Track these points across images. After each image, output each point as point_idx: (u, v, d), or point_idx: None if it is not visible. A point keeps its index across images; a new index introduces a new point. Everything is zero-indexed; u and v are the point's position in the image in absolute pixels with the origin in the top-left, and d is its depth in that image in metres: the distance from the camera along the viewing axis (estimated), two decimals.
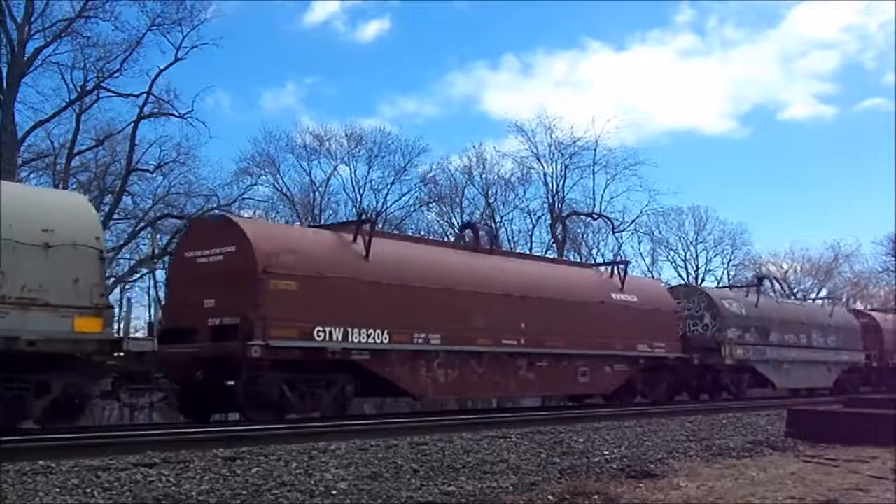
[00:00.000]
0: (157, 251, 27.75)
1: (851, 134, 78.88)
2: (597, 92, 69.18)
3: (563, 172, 43.63)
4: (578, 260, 44.37)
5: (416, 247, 16.12)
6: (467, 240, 18.21)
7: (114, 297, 27.74)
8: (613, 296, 18.58)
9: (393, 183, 42.37)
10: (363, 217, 14.28)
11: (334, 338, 12.86)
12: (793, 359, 24.34)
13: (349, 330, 13.08)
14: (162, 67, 31.95)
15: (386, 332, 13.57)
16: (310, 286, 12.74)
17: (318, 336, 12.68)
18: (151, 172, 34.00)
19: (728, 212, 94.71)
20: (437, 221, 43.93)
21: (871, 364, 28.35)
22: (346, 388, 13.35)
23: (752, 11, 76.68)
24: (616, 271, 19.66)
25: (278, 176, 41.51)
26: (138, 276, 32.97)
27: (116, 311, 16.69)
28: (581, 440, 10.08)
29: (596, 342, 17.45)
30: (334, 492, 6.30)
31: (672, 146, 70.49)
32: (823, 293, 52.96)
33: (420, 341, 14.10)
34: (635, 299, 18.92)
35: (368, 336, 13.36)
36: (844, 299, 48.92)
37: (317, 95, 68.14)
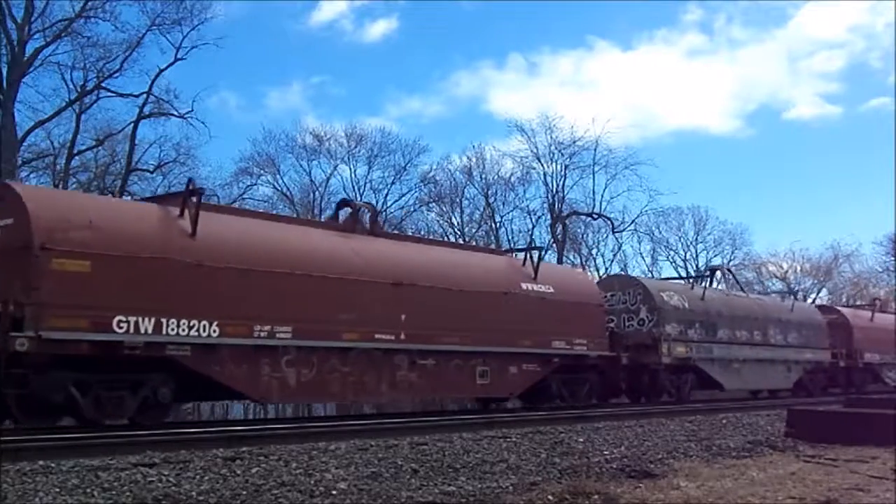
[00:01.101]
0: None
1: (857, 133, 79.05)
2: (603, 91, 69.37)
3: (563, 172, 43.70)
4: (578, 261, 44.50)
5: (264, 224, 13.46)
6: (344, 220, 15.37)
7: None
8: (523, 286, 16.28)
9: (393, 183, 42.44)
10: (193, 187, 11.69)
11: (142, 329, 10.67)
12: (745, 357, 22.18)
13: (164, 320, 10.89)
14: (162, 67, 32.09)
15: (215, 323, 11.36)
16: (110, 267, 10.56)
17: (120, 327, 10.50)
18: (151, 172, 34.12)
19: (728, 212, 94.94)
20: (437, 221, 43.97)
21: (837, 364, 26.44)
22: (161, 390, 11.16)
23: (760, 11, 76.98)
24: (529, 258, 17.04)
25: (278, 176, 41.59)
26: None
27: None
28: (581, 440, 10.08)
29: (499, 338, 15.22)
30: (334, 492, 6.30)
31: (677, 146, 70.73)
32: (823, 293, 53.09)
33: (263, 335, 11.88)
34: (551, 290, 16.70)
35: (191, 328, 11.14)
36: (844, 299, 48.95)
37: (322, 95, 68.38)
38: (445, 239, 40.37)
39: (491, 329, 15.15)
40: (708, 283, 23.77)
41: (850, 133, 78.92)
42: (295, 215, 39.44)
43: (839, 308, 30.80)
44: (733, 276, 30.25)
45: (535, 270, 16.75)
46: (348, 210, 15.64)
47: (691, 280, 23.94)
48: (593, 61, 72.60)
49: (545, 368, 16.35)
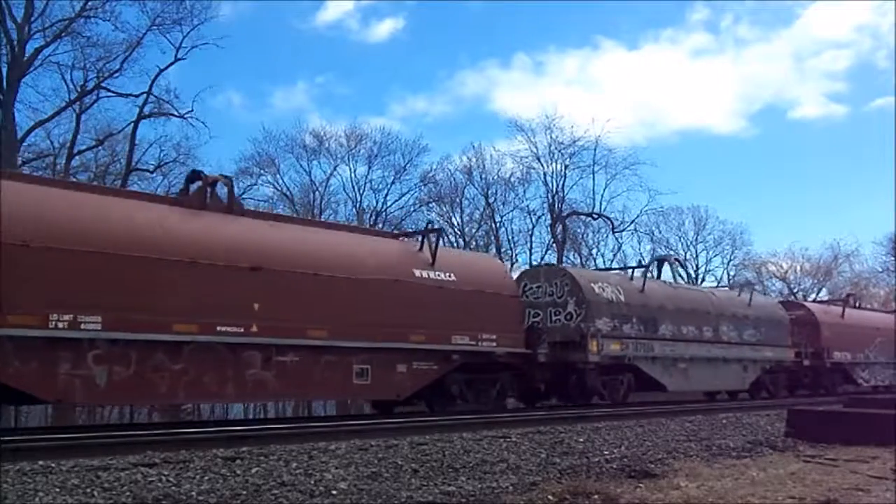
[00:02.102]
0: None
1: (861, 133, 79.05)
2: (608, 91, 69.48)
3: (563, 172, 43.71)
4: (579, 261, 44.49)
5: (80, 196, 11.47)
6: (193, 194, 13.18)
7: None
8: (417, 273, 14.33)
9: (393, 183, 42.41)
10: None
11: None
12: (692, 356, 20.19)
13: None
14: (162, 67, 32.09)
15: None
16: None
17: None
18: (151, 172, 34.16)
19: (728, 212, 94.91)
20: (437, 221, 43.94)
21: (801, 363, 24.49)
22: None
23: (767, 10, 77.20)
24: (426, 243, 14.98)
25: (278, 176, 41.58)
26: None
27: None
28: (581, 440, 10.08)
29: (384, 332, 13.30)
30: (334, 492, 6.30)
31: (682, 146, 70.83)
32: (823, 293, 53.07)
33: (62, 325, 9.98)
34: (452, 278, 14.79)
35: None
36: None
37: (327, 94, 68.58)
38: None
39: (374, 322, 13.21)
40: (657, 275, 22.06)
41: (855, 132, 79.11)
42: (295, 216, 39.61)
43: (806, 303, 29.30)
44: (683, 266, 27.46)
45: (433, 256, 14.72)
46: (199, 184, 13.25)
47: (632, 271, 21.55)
48: (599, 61, 72.77)
49: (443, 367, 14.40)
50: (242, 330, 11.66)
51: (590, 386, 17.70)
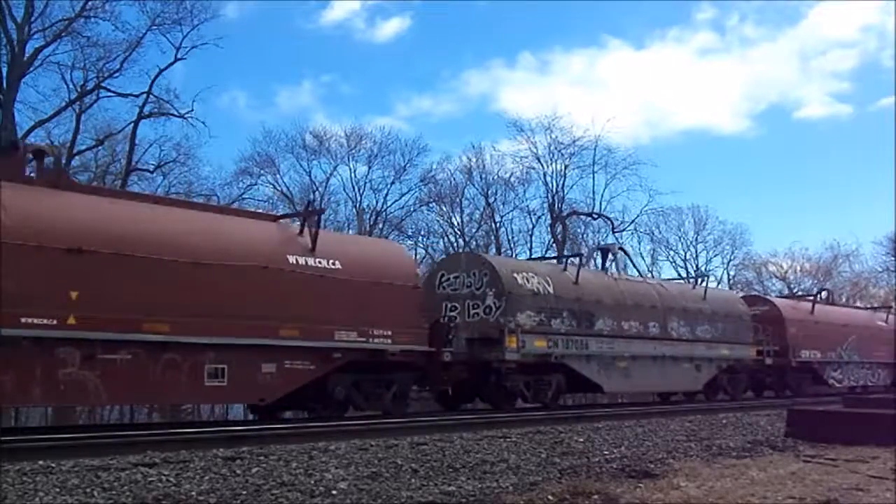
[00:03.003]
0: None
1: (865, 133, 78.92)
2: (613, 90, 69.31)
3: (563, 172, 43.70)
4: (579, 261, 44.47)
5: None
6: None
7: None
8: (293, 259, 12.63)
9: (393, 183, 42.39)
10: None
11: None
12: (635, 354, 18.50)
13: None
14: (162, 67, 32.07)
15: None
16: None
17: None
18: (151, 172, 34.16)
19: (728, 212, 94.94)
20: (437, 221, 43.95)
21: (763, 361, 22.76)
22: None
23: (773, 10, 77.11)
24: (306, 225, 13.27)
25: (278, 176, 41.57)
26: None
27: None
28: (581, 440, 10.08)
29: (246, 326, 11.58)
30: (334, 492, 6.30)
31: (686, 146, 70.77)
32: (823, 293, 53.02)
33: None
34: (336, 266, 13.07)
35: None
36: (844, 299, 48.96)
37: (332, 94, 68.50)
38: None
39: (233, 314, 11.50)
40: (601, 265, 20.43)
41: (859, 132, 78.99)
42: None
43: (771, 298, 27.43)
44: (628, 257, 24.68)
45: (313, 241, 12.97)
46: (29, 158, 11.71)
47: (564, 261, 19.55)
48: (605, 60, 72.62)
49: (323, 367, 12.68)
50: (55, 322, 9.96)
51: (510, 387, 15.90)
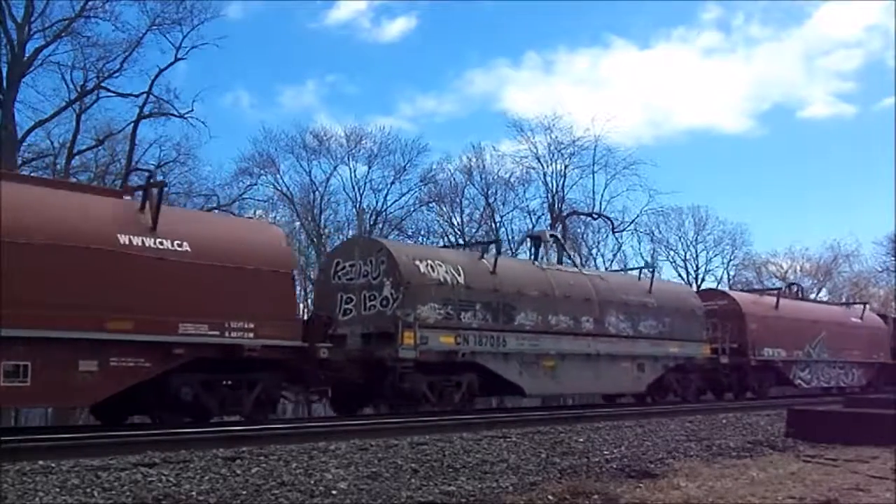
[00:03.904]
0: None
1: (868, 133, 78.76)
2: (617, 90, 69.24)
3: (563, 172, 43.69)
4: (578, 261, 44.51)
5: None
6: None
7: None
8: (124, 239, 10.82)
9: (393, 183, 42.37)
10: None
11: None
12: (563, 352, 16.74)
13: None
14: (162, 67, 32.04)
15: None
16: None
17: None
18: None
19: (728, 212, 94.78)
20: (437, 221, 43.94)
21: (718, 360, 20.89)
22: None
23: (779, 9, 77.19)
24: (146, 199, 11.46)
25: (278, 176, 41.56)
26: None
27: None
28: (581, 440, 10.08)
29: (58, 317, 9.89)
30: (334, 492, 6.31)
31: (689, 145, 70.71)
32: (823, 293, 53.11)
33: None
34: (184, 248, 11.38)
35: None
36: (844, 299, 48.96)
37: (337, 94, 68.45)
38: (447, 239, 40.35)
39: (40, 302, 9.83)
40: (533, 255, 18.84)
41: (862, 132, 78.82)
42: (296, 216, 39.66)
43: (730, 292, 25.74)
44: (562, 246, 22.55)
45: (155, 218, 11.24)
46: None
47: (480, 248, 17.58)
48: (609, 59, 72.48)
49: (162, 364, 10.99)
50: None
51: (409, 389, 14.01)
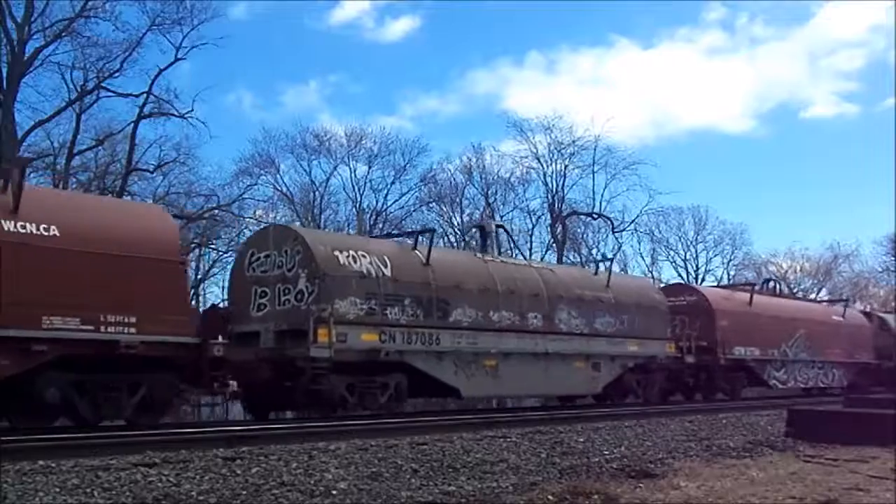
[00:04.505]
0: None
1: (871, 133, 78.67)
2: (620, 90, 69.08)
3: (563, 172, 43.68)
4: (578, 261, 44.47)
5: None
6: None
7: None
8: None
9: (393, 183, 42.35)
10: None
11: None
12: (507, 350, 15.61)
13: None
14: (162, 67, 32.02)
15: None
16: None
17: None
18: (151, 172, 34.08)
19: (728, 212, 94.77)
20: (437, 221, 43.93)
21: (683, 359, 19.74)
22: None
23: (783, 9, 77.25)
24: (10, 182, 10.45)
25: (278, 176, 41.54)
26: None
27: None
28: (581, 440, 10.08)
29: None
30: (334, 492, 6.30)
31: (691, 146, 70.62)
32: (823, 293, 53.07)
33: None
34: (52, 232, 10.35)
35: None
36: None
37: (340, 93, 68.34)
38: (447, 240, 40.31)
39: None
40: (481, 246, 17.87)
41: (865, 132, 78.65)
42: (296, 216, 39.62)
43: (699, 287, 24.56)
44: (509, 235, 21.03)
45: (16, 199, 10.20)
46: None
47: (413, 239, 16.01)
48: (612, 59, 72.27)
49: (23, 363, 9.96)
50: None
51: (325, 391, 12.85)
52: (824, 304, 30.01)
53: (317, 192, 41.96)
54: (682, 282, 33.22)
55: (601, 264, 20.37)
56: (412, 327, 14.17)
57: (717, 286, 27.19)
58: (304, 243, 13.65)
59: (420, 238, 15.77)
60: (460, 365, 14.85)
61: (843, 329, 26.26)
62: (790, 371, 23.57)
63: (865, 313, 30.02)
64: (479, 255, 17.52)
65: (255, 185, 39.88)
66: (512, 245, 21.04)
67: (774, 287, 28.46)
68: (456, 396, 15.70)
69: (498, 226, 20.25)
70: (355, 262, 13.81)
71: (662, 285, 27.20)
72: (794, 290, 49.03)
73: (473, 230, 18.76)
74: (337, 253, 13.73)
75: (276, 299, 13.64)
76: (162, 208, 14.17)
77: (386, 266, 14.17)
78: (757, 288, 25.75)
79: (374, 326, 13.65)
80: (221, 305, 13.23)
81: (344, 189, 42.54)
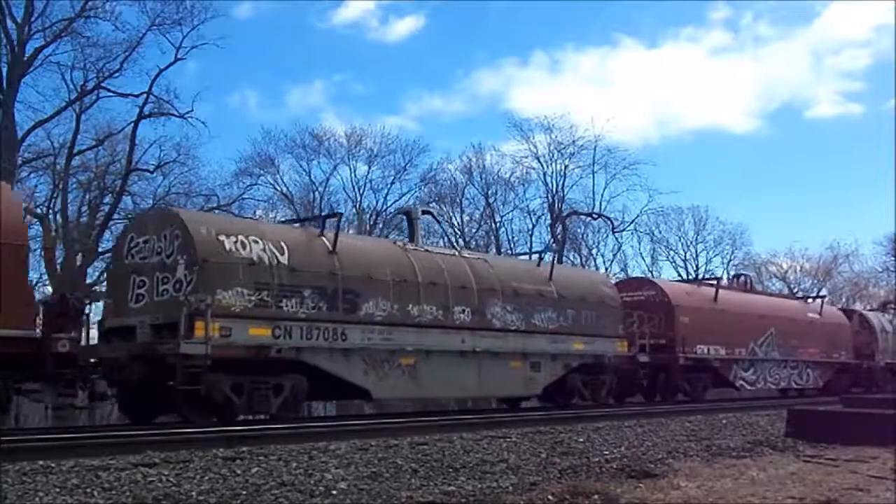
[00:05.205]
0: None
1: (873, 132, 78.57)
2: (624, 90, 69.14)
3: (563, 172, 43.68)
4: (578, 261, 44.46)
5: None
6: None
7: None
8: None
9: (393, 183, 42.35)
10: None
11: None
12: (429, 348, 14.19)
13: None
14: (162, 67, 32.06)
15: None
16: None
17: None
18: (151, 172, 34.10)
19: (728, 212, 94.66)
20: (438, 221, 43.92)
21: (635, 358, 18.35)
22: None
23: (787, 8, 77.30)
24: None
25: (278, 176, 41.55)
26: None
27: None
28: (581, 440, 10.08)
29: None
30: (334, 492, 6.30)
31: (695, 145, 70.69)
32: (823, 293, 53.02)
33: None
34: None
35: None
36: (844, 300, 48.97)
37: (344, 93, 68.44)
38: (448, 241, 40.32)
39: None
40: (408, 235, 16.59)
41: (868, 132, 78.64)
42: (296, 216, 39.61)
43: (658, 281, 22.84)
44: (438, 221, 19.98)
45: None
46: None
47: (320, 224, 14.42)
48: (617, 59, 72.36)
49: None
50: None
51: (206, 393, 11.34)
52: (800, 300, 28.60)
53: (317, 192, 42.00)
54: (642, 276, 31.30)
55: (546, 255, 18.71)
56: (314, 321, 12.70)
57: (683, 281, 25.65)
58: (182, 226, 12.09)
59: (327, 223, 14.18)
60: (371, 364, 13.48)
61: (819, 327, 24.96)
62: (760, 371, 22.27)
63: (845, 311, 28.88)
64: (399, 242, 16.24)
65: (255, 185, 39.94)
66: (447, 234, 18.63)
67: (746, 282, 26.85)
68: (366, 398, 14.65)
69: (425, 211, 18.83)
70: (244, 247, 12.35)
71: (622, 279, 25.64)
72: (794, 290, 48.96)
73: (399, 217, 16.69)
74: (222, 237, 12.22)
75: (155, 289, 12.19)
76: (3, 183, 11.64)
77: (282, 253, 12.72)
78: (725, 283, 24.51)
79: (266, 320, 12.21)
80: (72, 295, 11.75)
81: (344, 189, 42.59)
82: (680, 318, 19.69)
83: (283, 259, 12.67)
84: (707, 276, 43.45)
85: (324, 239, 13.61)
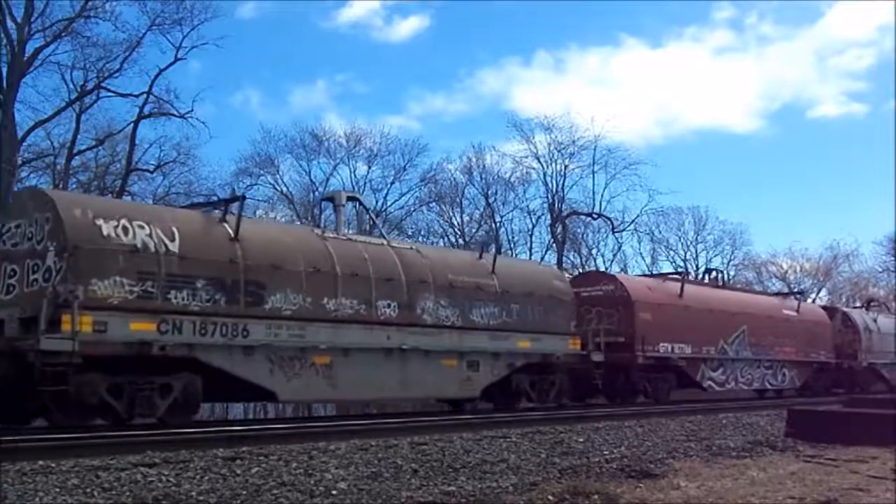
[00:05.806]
0: None
1: (876, 132, 78.47)
2: (628, 89, 68.99)
3: (563, 172, 43.66)
4: (578, 261, 44.46)
5: None
6: None
7: None
8: None
9: (393, 183, 42.34)
10: None
11: None
12: (348, 345, 13.00)
13: None
14: (162, 67, 32.04)
15: None
16: None
17: None
18: (151, 172, 34.11)
19: (728, 212, 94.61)
20: (437, 221, 43.92)
21: (588, 357, 16.88)
22: None
23: (791, 8, 77.24)
24: None
25: (278, 176, 41.55)
26: None
27: None
28: (581, 440, 10.08)
29: None
30: (334, 492, 6.31)
31: (698, 145, 70.57)
32: (823, 293, 53.07)
33: None
34: None
35: None
36: (844, 300, 48.94)
37: (347, 93, 68.28)
38: (447, 241, 40.37)
39: None
40: (335, 223, 15.45)
41: (871, 132, 78.52)
42: (296, 216, 39.61)
43: (618, 276, 21.24)
44: (367, 211, 18.46)
45: None
46: None
47: (222, 209, 12.90)
48: (620, 59, 72.12)
49: None
50: None
51: (76, 394, 10.19)
52: (776, 297, 27.13)
53: (317, 192, 41.97)
54: (602, 270, 29.59)
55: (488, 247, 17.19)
56: (210, 315, 11.47)
57: (646, 275, 24.10)
58: (54, 209, 10.80)
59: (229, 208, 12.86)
60: (278, 363, 12.27)
61: (796, 325, 23.70)
62: (730, 371, 21.02)
63: (826, 308, 27.80)
64: (316, 230, 15.08)
65: (255, 185, 39.94)
66: (373, 223, 16.97)
67: (717, 278, 25.48)
68: (272, 400, 13.49)
69: (350, 197, 17.20)
70: (127, 233, 11.06)
71: (577, 273, 23.94)
72: (794, 290, 48.96)
73: (323, 203, 15.30)
74: (100, 221, 10.89)
75: (25, 279, 10.97)
76: None
77: (172, 239, 11.42)
78: (692, 277, 22.98)
79: (151, 314, 10.94)
80: None
81: (344, 189, 42.55)
82: (640, 314, 18.48)
83: (173, 246, 11.38)
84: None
85: (225, 225, 12.34)
